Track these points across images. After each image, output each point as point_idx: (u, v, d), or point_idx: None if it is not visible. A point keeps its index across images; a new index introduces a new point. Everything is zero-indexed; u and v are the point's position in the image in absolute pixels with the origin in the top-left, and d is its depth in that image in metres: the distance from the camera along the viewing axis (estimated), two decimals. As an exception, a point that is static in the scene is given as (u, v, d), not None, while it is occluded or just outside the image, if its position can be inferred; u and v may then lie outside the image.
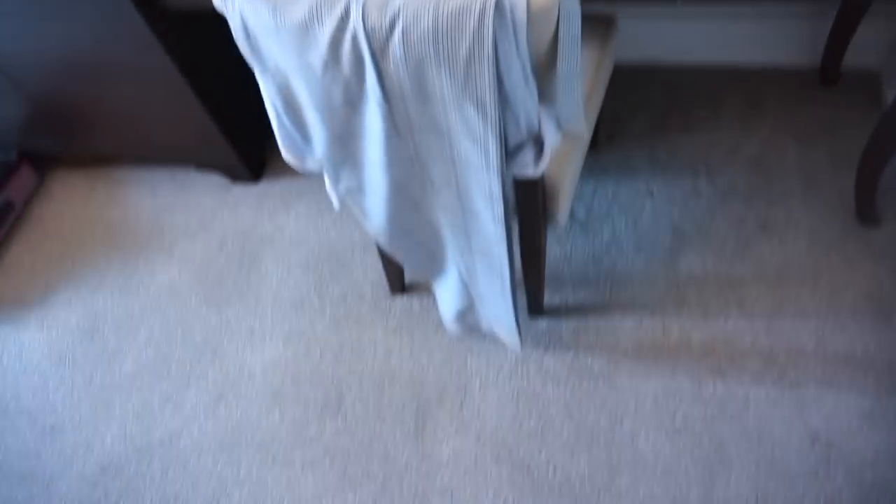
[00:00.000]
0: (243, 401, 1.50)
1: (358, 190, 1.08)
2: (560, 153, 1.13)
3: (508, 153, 0.93)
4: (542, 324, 1.49)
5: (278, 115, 0.97)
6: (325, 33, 0.80)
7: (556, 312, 1.50)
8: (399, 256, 1.26)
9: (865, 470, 1.22)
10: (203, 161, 1.91)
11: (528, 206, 1.12)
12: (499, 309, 1.25)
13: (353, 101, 0.89)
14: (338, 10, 0.78)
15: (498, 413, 1.39)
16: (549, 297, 1.53)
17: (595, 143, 1.72)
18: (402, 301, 1.60)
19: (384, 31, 0.77)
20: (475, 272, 1.20)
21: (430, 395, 1.44)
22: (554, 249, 1.60)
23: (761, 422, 1.29)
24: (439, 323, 1.53)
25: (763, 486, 1.23)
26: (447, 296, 1.33)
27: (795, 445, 1.26)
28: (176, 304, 1.71)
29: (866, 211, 1.47)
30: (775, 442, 1.27)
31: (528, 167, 0.93)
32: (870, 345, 1.35)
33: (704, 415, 1.32)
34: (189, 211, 1.90)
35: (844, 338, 1.37)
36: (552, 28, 0.78)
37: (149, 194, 1.97)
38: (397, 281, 1.56)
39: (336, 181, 1.07)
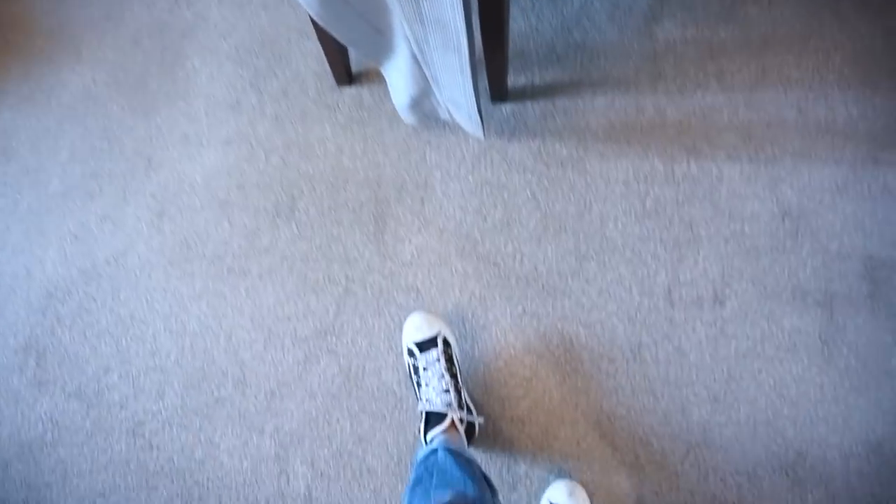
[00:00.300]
0: (188, 213, 1.39)
1: (277, -57, 0.87)
2: None
3: None
4: (507, 109, 1.36)
5: None
6: None
7: (522, 95, 1.37)
8: (340, 34, 1.08)
9: (832, 241, 1.21)
10: (96, -62, 1.58)
11: (488, -45, 0.93)
12: (457, 91, 1.11)
13: None
14: None
15: (461, 207, 1.31)
16: (514, 79, 1.38)
17: None
18: (350, 92, 1.43)
19: None
20: (429, 48, 1.04)
21: (389, 193, 1.35)
22: (518, 22, 1.42)
23: (733, 199, 1.25)
24: (394, 114, 1.39)
25: (729, 263, 1.22)
26: (399, 80, 1.18)
27: (766, 221, 1.23)
28: (95, 113, 1.51)
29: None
30: (745, 219, 1.24)
31: None
32: (853, 113, 1.27)
33: (676, 196, 1.26)
34: (90, 1, 1.62)
35: (826, 107, 1.28)
36: None
37: (39, -15, 1.66)
38: (343, 69, 1.38)
39: (247, -68, 0.86)
